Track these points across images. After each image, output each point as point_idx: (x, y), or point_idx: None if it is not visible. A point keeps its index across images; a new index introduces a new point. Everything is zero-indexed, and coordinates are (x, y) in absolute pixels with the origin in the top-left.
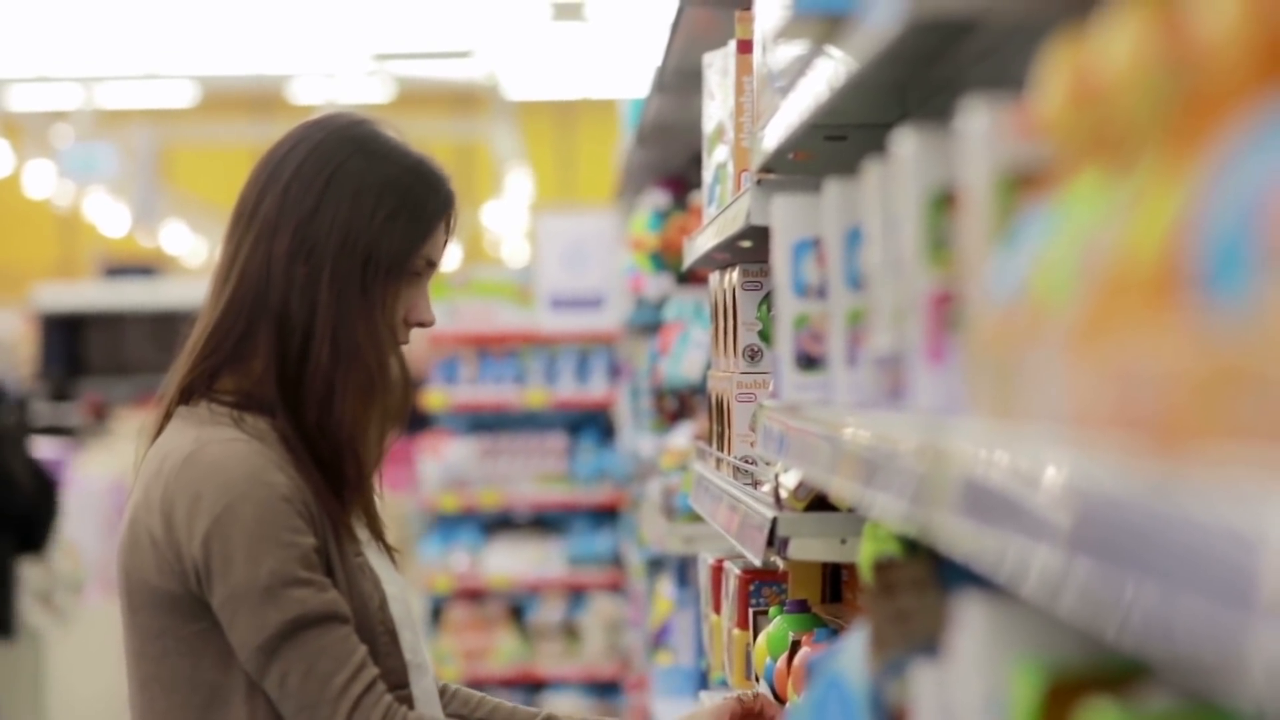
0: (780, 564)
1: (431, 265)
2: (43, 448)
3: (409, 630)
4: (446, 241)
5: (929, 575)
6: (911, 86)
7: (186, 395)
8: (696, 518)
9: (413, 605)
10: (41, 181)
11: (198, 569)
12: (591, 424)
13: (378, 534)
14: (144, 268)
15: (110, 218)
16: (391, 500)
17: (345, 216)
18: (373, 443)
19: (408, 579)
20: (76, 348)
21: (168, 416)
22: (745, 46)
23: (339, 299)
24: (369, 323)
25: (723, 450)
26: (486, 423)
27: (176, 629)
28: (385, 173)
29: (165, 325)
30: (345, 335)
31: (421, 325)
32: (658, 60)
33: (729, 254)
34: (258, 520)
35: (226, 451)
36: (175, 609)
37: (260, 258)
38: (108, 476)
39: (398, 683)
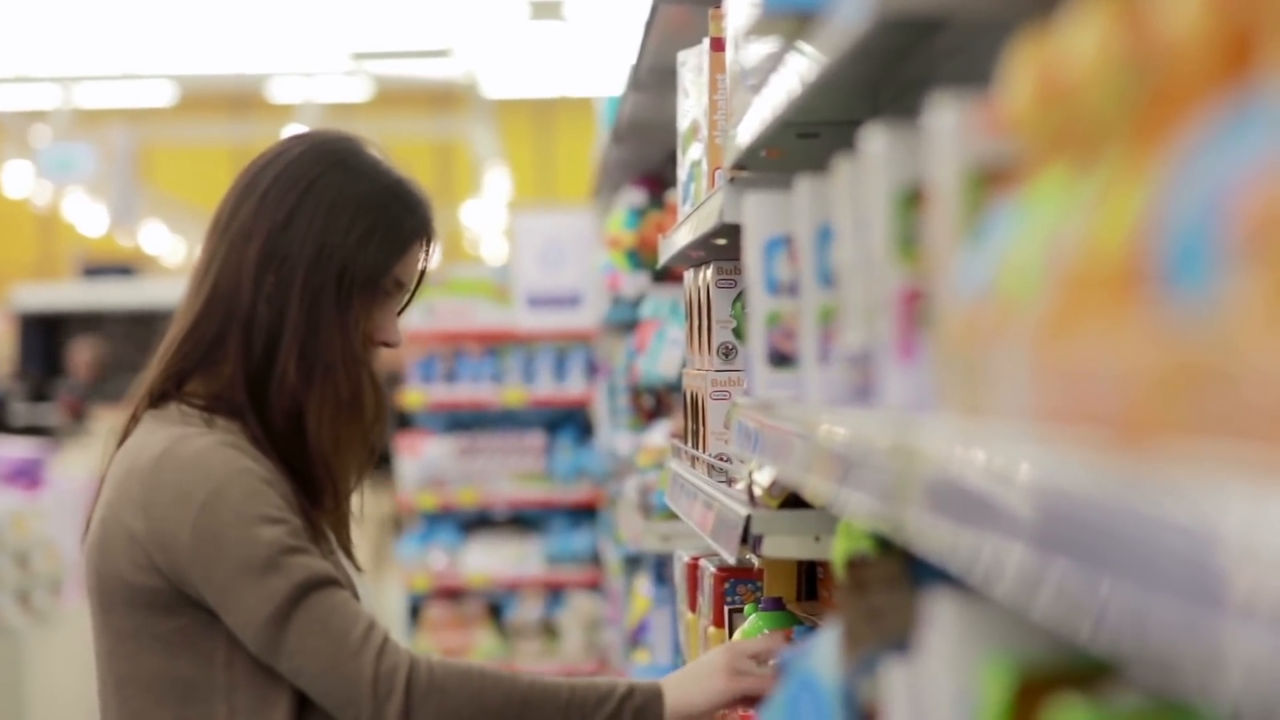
0: (755, 561)
1: (401, 287)
2: (21, 447)
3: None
4: (423, 268)
5: (901, 573)
6: (883, 84)
7: (156, 399)
8: (673, 516)
9: (376, 606)
10: (20, 181)
11: (189, 560)
12: (569, 422)
13: (346, 549)
14: (122, 267)
15: (89, 217)
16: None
17: (319, 229)
18: (350, 463)
19: (386, 577)
20: (55, 348)
21: (135, 420)
22: (718, 44)
23: (309, 312)
24: (344, 339)
25: (698, 448)
26: (464, 421)
27: (153, 626)
28: (363, 189)
29: (144, 325)
30: (317, 351)
31: (386, 345)
32: (633, 58)
33: (704, 251)
34: (245, 501)
35: (203, 445)
36: (152, 606)
37: (233, 265)
38: (86, 476)
39: None
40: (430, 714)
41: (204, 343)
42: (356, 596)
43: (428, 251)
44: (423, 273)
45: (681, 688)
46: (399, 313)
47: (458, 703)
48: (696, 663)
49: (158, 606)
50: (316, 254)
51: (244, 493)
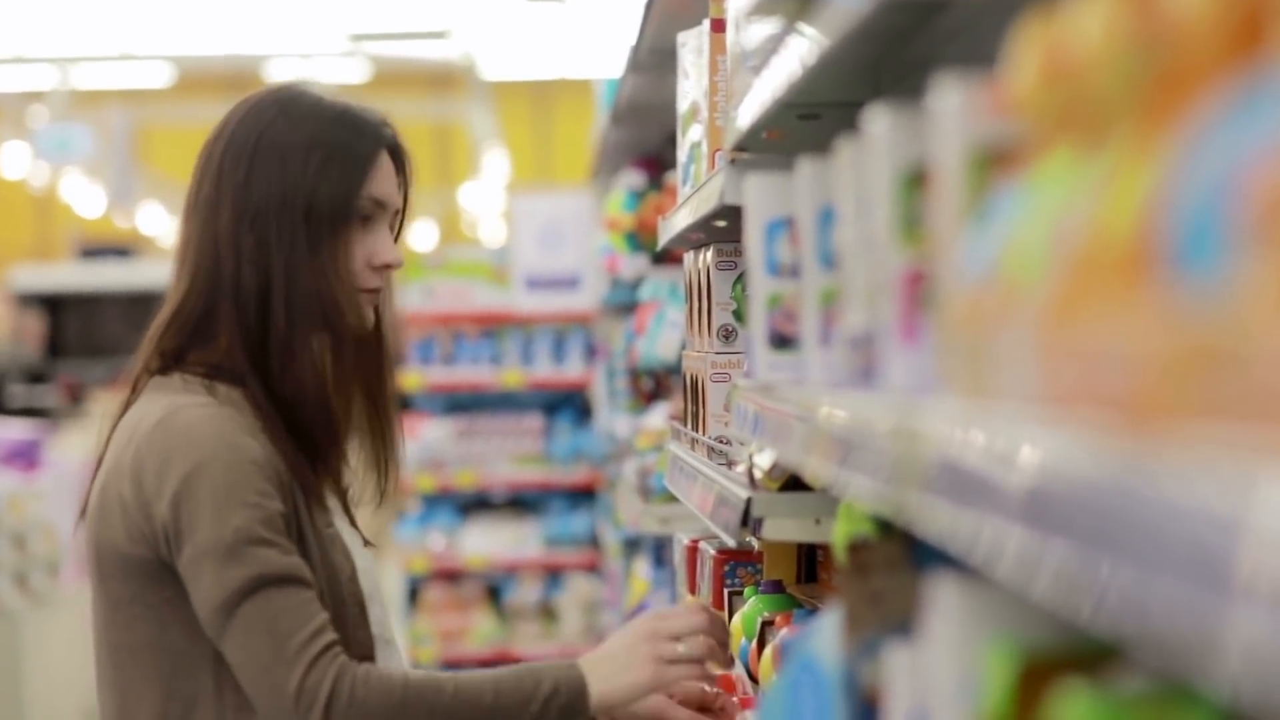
0: (755, 544)
1: (380, 205)
2: (18, 429)
3: (377, 604)
4: (402, 181)
5: (902, 556)
6: (884, 65)
7: (156, 371)
8: (672, 498)
9: (380, 580)
10: (17, 162)
11: (166, 531)
12: (568, 404)
13: (346, 507)
14: (120, 249)
15: (86, 199)
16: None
17: (278, 177)
18: (351, 405)
19: (384, 559)
20: (53, 329)
21: (135, 392)
22: (719, 25)
23: (288, 258)
24: (320, 276)
25: (697, 430)
26: (463, 403)
27: (145, 596)
28: (309, 128)
29: (141, 306)
30: (302, 294)
31: (389, 267)
32: (633, 40)
33: (704, 233)
34: (225, 481)
35: (198, 416)
36: (144, 576)
37: (208, 237)
38: (84, 458)
39: (364, 655)
40: None
41: (194, 319)
42: (354, 575)
43: (400, 166)
44: (406, 188)
45: (607, 681)
46: (395, 232)
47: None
48: (621, 645)
49: (148, 576)
50: (281, 201)
51: (226, 473)
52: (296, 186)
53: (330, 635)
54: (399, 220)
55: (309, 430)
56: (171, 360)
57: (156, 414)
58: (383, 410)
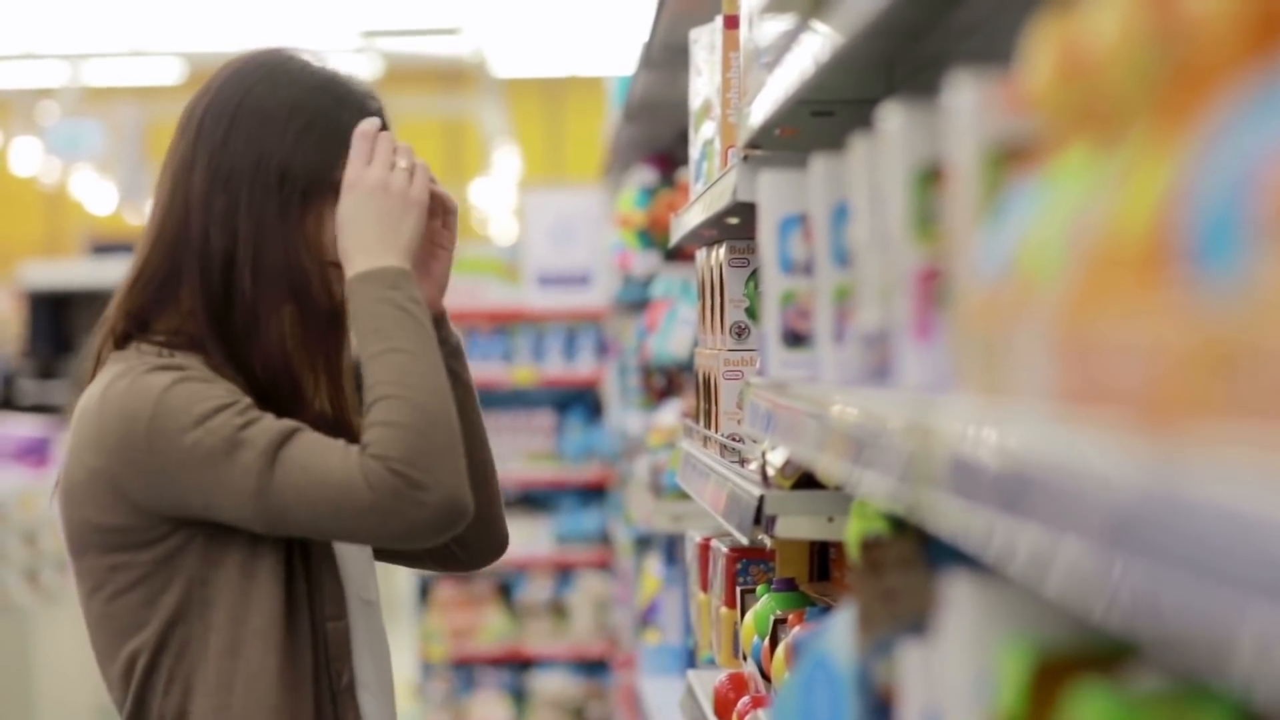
0: (768, 542)
1: None
2: (29, 425)
3: (355, 564)
4: None
5: (916, 554)
6: (898, 61)
7: (119, 340)
8: (684, 496)
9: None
10: (28, 159)
11: (158, 479)
12: (579, 402)
13: None
14: (131, 245)
15: (97, 195)
16: None
17: (256, 140)
18: (310, 376)
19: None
20: (63, 325)
21: (99, 363)
22: (732, 22)
23: (257, 224)
24: (289, 246)
25: (710, 428)
26: None
27: (128, 561)
28: (293, 94)
29: None
30: (265, 259)
31: None
32: (645, 36)
33: (716, 230)
34: (189, 402)
35: (149, 374)
36: (125, 543)
37: (180, 197)
38: None
39: (335, 612)
40: (419, 467)
41: (158, 278)
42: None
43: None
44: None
45: (400, 245)
46: None
47: (415, 425)
48: (368, 216)
49: (128, 544)
50: (255, 165)
51: (185, 396)
52: (273, 151)
53: (355, 446)
54: None
55: (275, 393)
56: (135, 325)
57: (108, 382)
58: (339, 388)
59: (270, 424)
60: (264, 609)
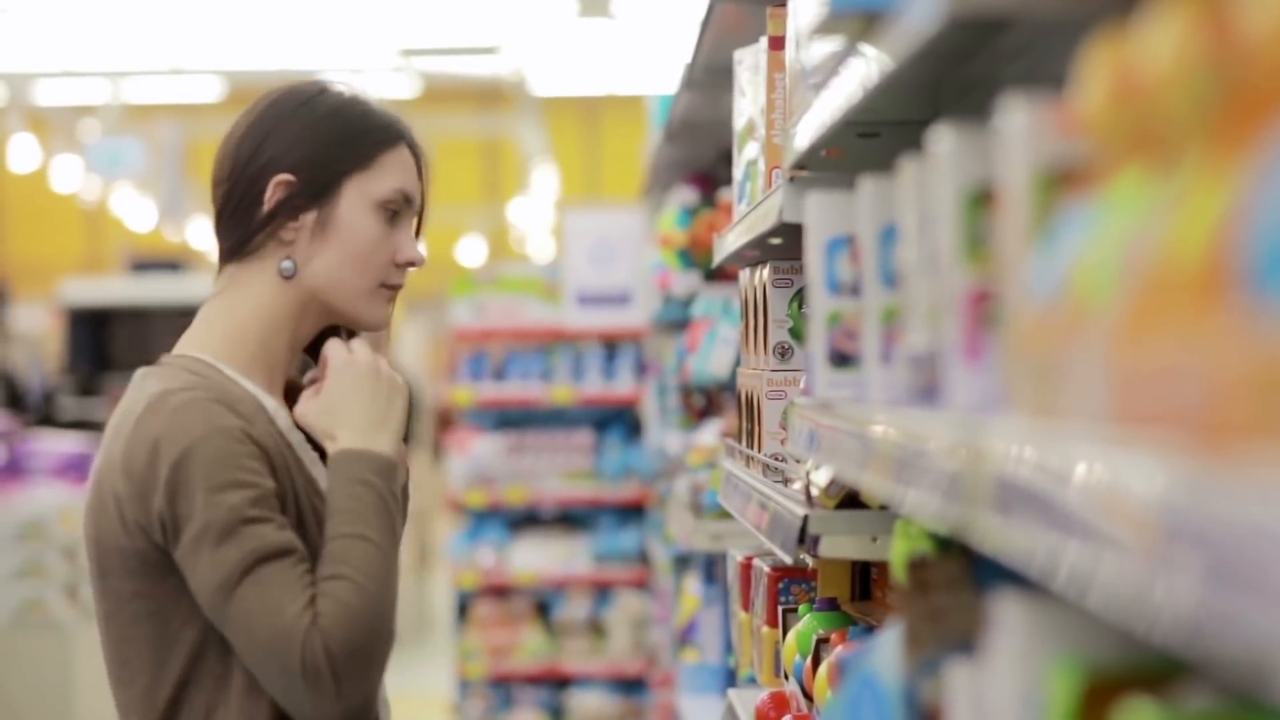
0: (809, 562)
1: (407, 199)
2: (69, 442)
3: None
4: (421, 178)
5: (963, 573)
6: (945, 84)
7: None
8: (724, 515)
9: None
10: (68, 176)
11: (163, 520)
12: (618, 421)
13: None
14: (170, 263)
15: (137, 212)
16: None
17: (288, 139)
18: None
19: (434, 576)
20: (103, 342)
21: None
22: (777, 43)
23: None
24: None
25: (753, 448)
26: (513, 419)
27: (148, 589)
28: (323, 116)
29: (191, 319)
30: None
31: (411, 265)
32: (687, 57)
33: (759, 251)
34: (215, 462)
35: (182, 400)
36: (144, 570)
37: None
38: None
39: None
40: (350, 665)
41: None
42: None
43: (418, 161)
44: (423, 191)
45: (384, 436)
46: (416, 232)
47: (364, 621)
48: (358, 398)
49: (149, 570)
50: (293, 175)
51: (215, 454)
52: (301, 145)
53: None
54: (419, 219)
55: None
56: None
57: (142, 404)
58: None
59: (269, 534)
60: None
